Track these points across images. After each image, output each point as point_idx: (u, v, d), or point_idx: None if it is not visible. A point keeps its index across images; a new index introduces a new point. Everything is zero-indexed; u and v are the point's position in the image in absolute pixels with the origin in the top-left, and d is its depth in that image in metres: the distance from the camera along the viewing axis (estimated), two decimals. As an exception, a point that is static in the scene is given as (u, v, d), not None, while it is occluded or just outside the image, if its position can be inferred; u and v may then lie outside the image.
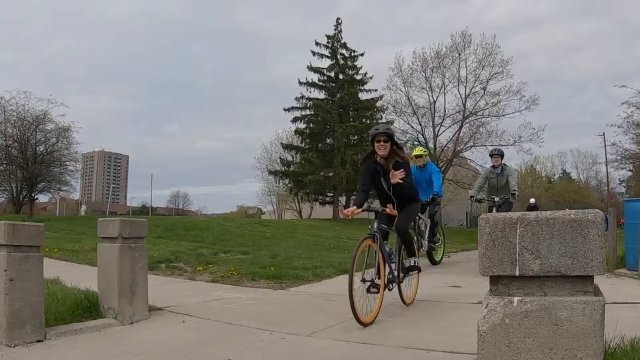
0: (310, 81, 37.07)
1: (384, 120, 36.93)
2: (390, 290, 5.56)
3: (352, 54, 37.68)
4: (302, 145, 37.24)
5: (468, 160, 37.06)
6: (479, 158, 36.94)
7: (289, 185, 38.52)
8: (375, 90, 37.39)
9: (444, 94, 35.85)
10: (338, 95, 36.36)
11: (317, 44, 37.26)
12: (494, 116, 35.06)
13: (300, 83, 36.87)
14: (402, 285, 5.80)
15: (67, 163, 28.98)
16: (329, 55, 37.33)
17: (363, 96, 37.47)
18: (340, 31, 37.69)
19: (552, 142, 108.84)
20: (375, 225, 5.40)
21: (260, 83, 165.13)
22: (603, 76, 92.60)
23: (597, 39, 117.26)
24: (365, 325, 4.76)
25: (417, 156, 10.21)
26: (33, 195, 28.68)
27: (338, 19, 37.90)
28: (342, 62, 37.37)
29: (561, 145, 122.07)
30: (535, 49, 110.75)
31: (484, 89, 34.77)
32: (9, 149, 26.67)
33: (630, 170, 36.64)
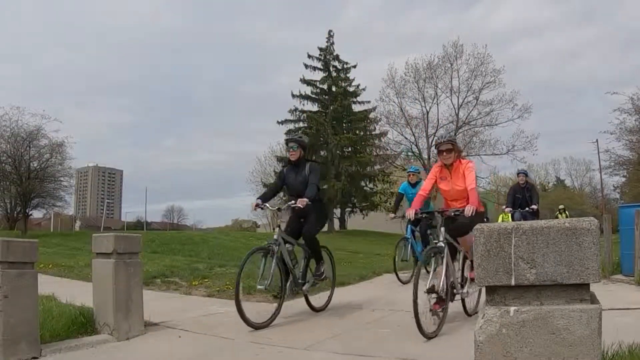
0: (304, 94, 37.19)
1: (377, 131, 37.01)
2: None
3: (345, 66, 37.85)
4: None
5: (462, 170, 37.12)
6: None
7: (284, 198, 38.42)
8: (369, 101, 37.58)
9: (437, 104, 36.10)
10: (331, 108, 36.46)
11: (309, 56, 37.46)
12: (487, 125, 35.31)
13: (294, 96, 36.99)
14: None
15: (61, 178, 28.88)
16: (322, 67, 37.49)
17: (356, 108, 37.61)
18: (333, 43, 37.91)
19: (547, 150, 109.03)
20: None
21: (260, 95, 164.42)
22: (600, 82, 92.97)
23: (596, 46, 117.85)
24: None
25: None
26: (27, 211, 28.56)
27: (330, 31, 38.15)
28: (334, 74, 37.52)
29: (556, 152, 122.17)
30: (535, 56, 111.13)
31: (477, 98, 35.05)
32: (3, 165, 26.58)
33: (624, 177, 36.79)
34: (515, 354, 2.18)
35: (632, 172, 33.59)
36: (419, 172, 10.44)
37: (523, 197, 11.14)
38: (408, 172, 10.50)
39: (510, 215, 11.47)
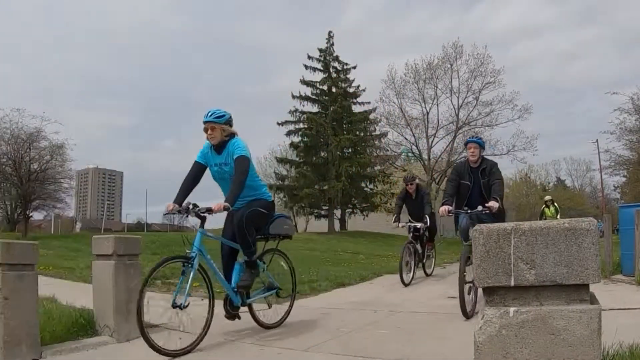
0: (304, 95, 37.12)
1: (377, 132, 36.96)
2: None
3: (345, 67, 37.80)
4: (297, 158, 37.17)
5: (462, 171, 37.12)
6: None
7: (284, 199, 38.28)
8: (369, 102, 37.54)
9: (437, 105, 36.10)
10: (331, 109, 36.40)
11: (309, 57, 37.39)
12: (487, 126, 35.31)
13: (294, 97, 36.89)
14: None
15: (62, 180, 28.97)
16: (322, 68, 37.42)
17: (356, 109, 37.55)
18: (333, 44, 37.83)
19: (548, 150, 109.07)
20: None
21: (260, 96, 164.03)
22: (600, 83, 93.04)
23: (596, 46, 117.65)
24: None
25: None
26: (27, 213, 28.59)
27: (330, 32, 38.07)
28: (334, 75, 37.47)
29: (557, 153, 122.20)
30: (536, 56, 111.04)
31: (477, 99, 35.07)
32: (3, 167, 26.65)
33: (624, 176, 36.83)
34: (515, 354, 2.18)
35: (632, 172, 33.61)
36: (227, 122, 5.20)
37: (475, 184, 6.51)
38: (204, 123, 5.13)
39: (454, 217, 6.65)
